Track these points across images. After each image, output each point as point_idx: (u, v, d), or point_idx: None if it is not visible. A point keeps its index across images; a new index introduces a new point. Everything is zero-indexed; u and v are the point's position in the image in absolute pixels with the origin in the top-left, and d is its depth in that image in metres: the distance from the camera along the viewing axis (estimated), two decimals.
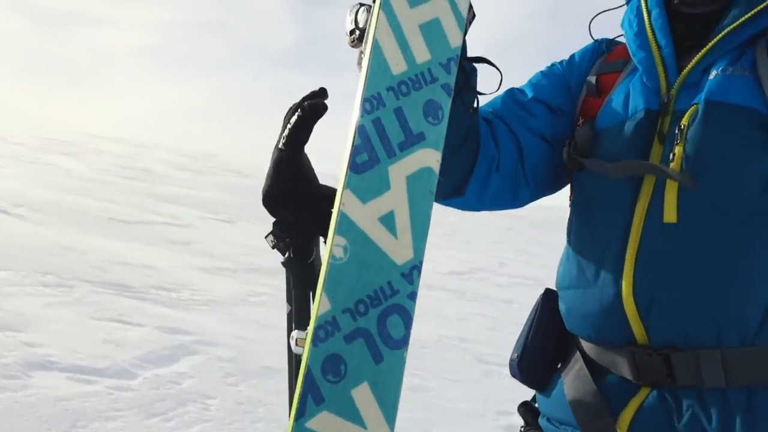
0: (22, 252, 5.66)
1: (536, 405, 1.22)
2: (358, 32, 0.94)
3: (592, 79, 1.16)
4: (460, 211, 1.29)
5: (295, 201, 1.08)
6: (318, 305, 0.78)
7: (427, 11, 0.86)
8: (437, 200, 0.98)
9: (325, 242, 1.10)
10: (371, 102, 0.83)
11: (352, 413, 0.75)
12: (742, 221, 0.94)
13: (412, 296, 0.80)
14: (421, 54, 0.85)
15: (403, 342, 0.79)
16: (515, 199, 1.20)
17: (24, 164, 13.26)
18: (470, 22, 0.97)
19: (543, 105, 1.19)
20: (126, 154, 20.80)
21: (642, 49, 1.07)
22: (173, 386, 3.46)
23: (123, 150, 21.78)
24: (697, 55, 1.01)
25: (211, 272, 6.73)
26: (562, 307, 1.13)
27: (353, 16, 0.95)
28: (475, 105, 1.16)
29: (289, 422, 0.76)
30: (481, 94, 1.14)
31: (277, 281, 6.90)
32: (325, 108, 1.05)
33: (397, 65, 0.84)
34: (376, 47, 0.84)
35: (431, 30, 0.86)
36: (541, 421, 1.17)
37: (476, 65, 1.07)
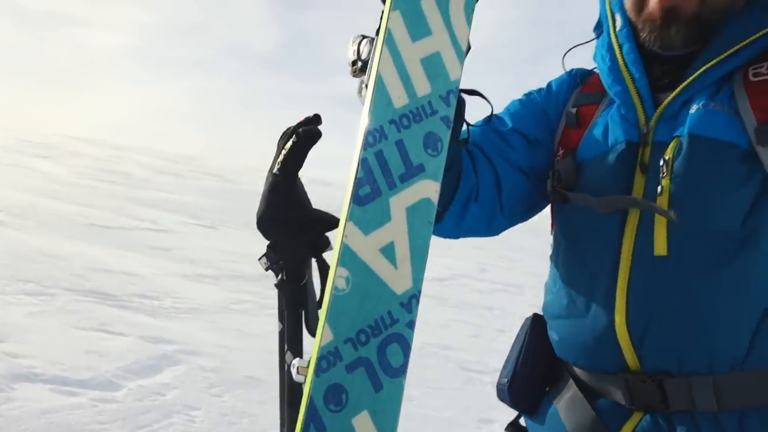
0: (1, 258, 5.60)
1: (523, 424, 1.25)
2: (360, 63, 0.96)
3: (572, 110, 1.19)
4: None
5: (288, 225, 1.10)
6: (321, 336, 0.80)
7: (428, 45, 0.88)
8: None
9: (317, 264, 1.13)
10: (374, 135, 0.85)
11: None
12: (728, 252, 0.96)
13: (411, 325, 0.82)
14: (422, 87, 0.87)
15: (402, 370, 0.81)
16: (490, 228, 1.23)
17: (0, 167, 13.10)
18: (465, 54, 1.00)
19: (521, 136, 1.21)
20: (105, 157, 20.63)
21: (617, 83, 1.09)
22: (157, 397, 3.45)
23: (102, 153, 21.60)
24: (676, 90, 1.03)
25: (193, 279, 6.70)
26: (552, 335, 1.15)
27: (356, 47, 0.97)
28: (466, 136, 1.19)
29: None
30: (469, 125, 1.17)
31: (260, 288, 6.88)
32: (319, 134, 1.07)
33: (399, 98, 0.86)
34: (379, 81, 0.86)
35: (432, 63, 0.88)
36: None
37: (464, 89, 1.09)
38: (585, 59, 1.26)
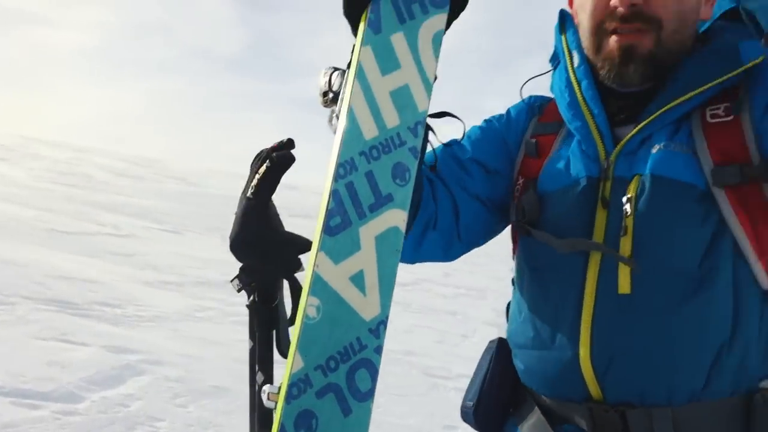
0: None
1: None
2: (331, 95, 0.99)
3: (532, 140, 1.21)
4: None
5: (261, 248, 1.12)
6: (291, 363, 0.82)
7: (397, 78, 0.91)
8: None
9: (289, 285, 1.16)
10: (345, 167, 0.87)
11: None
12: (687, 291, 0.99)
13: (378, 350, 0.85)
14: (391, 119, 0.90)
15: (370, 394, 0.84)
16: (447, 254, 1.26)
17: None
18: (432, 86, 1.01)
19: (480, 165, 1.24)
20: (65, 159, 20.19)
21: (577, 118, 1.12)
22: (121, 409, 3.42)
23: (62, 155, 21.12)
24: (635, 129, 1.06)
25: (155, 286, 6.63)
26: (518, 363, 1.18)
27: (327, 79, 1.00)
28: (433, 163, 1.22)
29: None
30: (434, 150, 1.21)
31: (224, 295, 6.84)
32: (292, 159, 1.10)
33: (369, 131, 0.89)
34: (350, 114, 0.89)
35: (401, 96, 0.91)
36: None
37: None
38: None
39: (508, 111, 1.31)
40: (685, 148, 1.03)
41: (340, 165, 0.87)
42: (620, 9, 1.02)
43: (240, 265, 1.16)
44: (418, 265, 1.27)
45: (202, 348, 4.75)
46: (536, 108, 1.27)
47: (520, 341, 1.17)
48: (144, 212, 12.63)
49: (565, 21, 1.21)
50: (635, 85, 1.08)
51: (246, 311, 1.17)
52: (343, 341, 0.84)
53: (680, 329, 0.99)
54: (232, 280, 1.18)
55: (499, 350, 1.24)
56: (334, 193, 0.86)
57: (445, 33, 0.95)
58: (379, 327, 0.85)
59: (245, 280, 1.17)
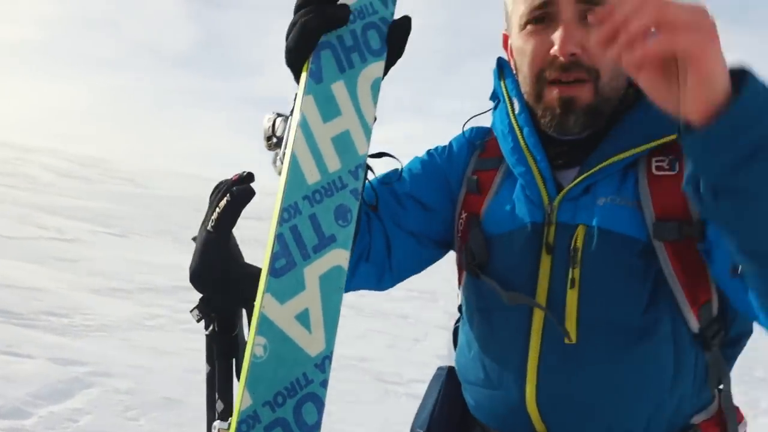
0: None
1: None
2: (275, 139, 1.02)
3: (473, 177, 1.24)
4: None
5: (221, 280, 1.14)
6: (240, 401, 0.85)
7: (338, 125, 0.94)
8: None
9: (248, 315, 1.18)
10: (289, 211, 0.90)
11: None
12: (630, 342, 1.03)
13: (324, 384, 0.88)
14: (333, 164, 0.93)
15: (316, 426, 0.87)
16: (379, 285, 1.28)
17: None
18: (372, 129, 1.04)
19: (416, 202, 1.26)
20: (7, 159, 19.57)
21: (521, 163, 1.14)
22: (70, 424, 3.36)
23: (3, 154, 20.47)
24: (579, 177, 1.08)
25: (103, 293, 6.51)
26: (468, 397, 1.21)
27: (271, 124, 1.02)
28: (374, 202, 1.24)
29: None
30: (373, 187, 1.23)
31: (174, 301, 6.73)
32: (252, 193, 1.12)
33: (312, 176, 0.92)
34: (293, 161, 0.91)
35: (342, 141, 0.94)
36: None
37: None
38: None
39: (450, 145, 1.33)
40: (630, 201, 1.05)
41: (284, 210, 0.90)
42: (561, 59, 1.02)
43: (199, 295, 1.18)
44: None
45: (152, 358, 4.69)
46: (477, 144, 1.29)
47: (470, 378, 1.20)
48: (90, 215, 12.36)
49: (503, 68, 1.23)
50: (575, 133, 1.10)
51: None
52: (289, 377, 0.87)
53: (623, 380, 1.03)
54: (191, 311, 1.20)
55: (449, 379, 1.28)
56: (278, 237, 0.89)
57: (383, 79, 0.99)
58: (324, 362, 0.88)
59: (205, 311, 1.19)
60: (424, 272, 1.35)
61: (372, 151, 1.01)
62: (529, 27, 1.07)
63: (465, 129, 1.32)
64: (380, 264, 1.24)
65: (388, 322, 7.77)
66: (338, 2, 0.92)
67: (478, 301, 1.18)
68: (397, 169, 1.31)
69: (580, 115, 1.06)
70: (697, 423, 1.06)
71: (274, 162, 1.04)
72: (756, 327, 1.03)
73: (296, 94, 0.97)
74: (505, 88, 1.19)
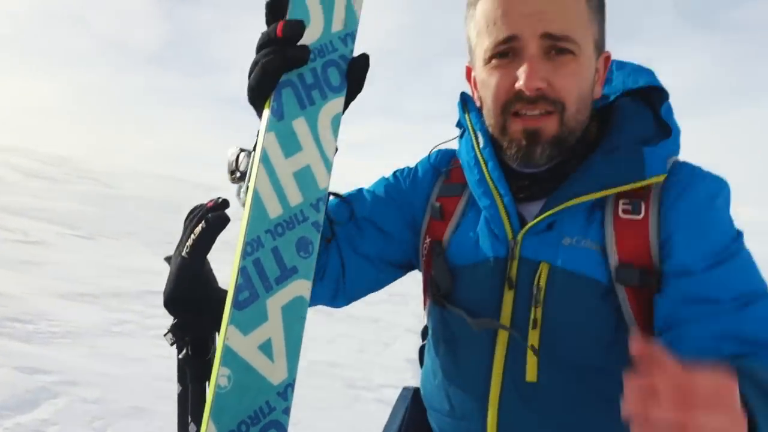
0: None
1: None
2: (239, 173, 1.04)
3: (436, 204, 1.26)
4: None
5: (195, 305, 1.16)
6: (205, 430, 0.88)
7: (300, 160, 0.97)
8: None
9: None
10: (252, 245, 0.93)
11: None
12: (590, 383, 1.05)
13: (287, 411, 0.91)
14: (295, 198, 0.96)
15: None
16: (334, 303, 1.31)
17: None
18: (332, 163, 1.06)
19: (375, 227, 1.28)
20: None
21: (486, 197, 1.15)
22: None
23: None
24: (543, 215, 1.09)
25: (69, 298, 6.41)
26: (432, 423, 1.24)
27: (234, 158, 1.04)
28: (329, 235, 1.26)
29: None
30: (334, 222, 1.26)
31: (142, 306, 6.65)
32: (227, 220, 1.14)
33: (274, 210, 0.94)
34: (256, 197, 0.94)
35: (303, 176, 0.97)
36: None
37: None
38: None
39: (416, 169, 1.34)
40: (595, 244, 1.06)
41: (247, 243, 0.93)
42: (526, 93, 1.03)
43: (174, 314, 1.20)
44: None
45: (120, 366, 4.64)
46: (442, 170, 1.31)
47: (435, 405, 1.23)
48: (56, 216, 12.17)
49: (467, 102, 1.24)
50: (541, 165, 1.11)
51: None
52: (253, 406, 0.90)
53: (583, 418, 1.06)
54: (165, 335, 1.21)
55: (414, 402, 1.31)
56: (242, 270, 0.92)
57: (343, 114, 1.02)
58: (287, 390, 0.92)
59: (179, 335, 1.21)
60: None
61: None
62: (493, 61, 1.08)
63: (431, 153, 1.35)
64: (334, 284, 1.27)
65: (358, 326, 7.78)
66: (298, 43, 0.95)
67: (444, 331, 1.20)
68: (360, 189, 1.34)
69: (545, 147, 1.07)
70: None
71: (238, 194, 1.07)
72: None
73: (258, 131, 0.99)
74: (470, 121, 1.21)
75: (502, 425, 1.09)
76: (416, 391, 1.35)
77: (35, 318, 5.44)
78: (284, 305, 0.93)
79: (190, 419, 1.22)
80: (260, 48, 0.94)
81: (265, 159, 0.95)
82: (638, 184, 1.03)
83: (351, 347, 6.62)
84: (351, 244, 1.28)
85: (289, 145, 0.96)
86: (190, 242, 1.11)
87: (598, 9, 1.08)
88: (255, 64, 0.94)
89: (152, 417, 3.75)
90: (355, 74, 0.98)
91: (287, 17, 0.96)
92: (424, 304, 1.29)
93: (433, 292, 1.20)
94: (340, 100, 1.00)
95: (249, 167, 1.00)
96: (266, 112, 0.97)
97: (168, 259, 1.18)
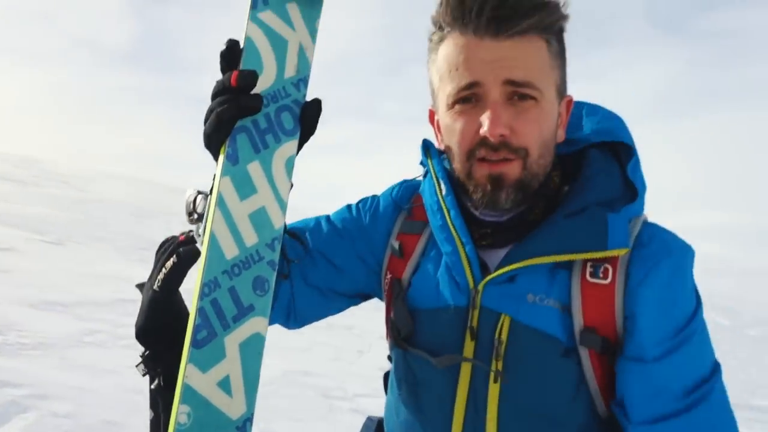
0: None
1: None
2: (196, 215, 1.05)
3: (395, 243, 1.26)
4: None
5: (167, 337, 1.17)
6: None
7: (255, 202, 1.00)
8: None
9: None
10: (209, 286, 0.96)
11: None
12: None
13: None
14: (250, 238, 0.99)
15: None
16: (287, 325, 1.32)
17: None
18: (287, 202, 1.08)
19: (327, 260, 1.29)
20: None
21: (448, 243, 1.15)
22: None
23: None
24: (505, 268, 1.09)
25: (39, 308, 6.31)
26: None
27: (192, 200, 1.06)
28: (285, 272, 1.24)
29: None
30: (290, 261, 1.24)
31: (114, 315, 6.58)
32: (199, 253, 1.16)
33: (230, 251, 0.97)
34: (212, 240, 0.97)
35: (258, 217, 0.99)
36: None
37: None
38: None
39: (377, 202, 1.34)
40: (560, 303, 1.07)
41: (204, 285, 0.95)
42: (490, 140, 1.04)
43: (146, 351, 1.20)
44: None
45: (92, 378, 4.58)
46: (404, 206, 1.31)
47: None
48: (24, 221, 11.98)
49: (429, 148, 1.25)
50: (506, 210, 1.11)
51: None
52: None
53: None
54: (137, 365, 1.22)
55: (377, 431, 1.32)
56: (200, 311, 0.95)
57: (297, 155, 1.05)
58: (245, 424, 0.94)
59: (151, 366, 1.22)
60: None
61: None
62: (457, 107, 1.08)
63: (395, 186, 1.35)
64: (285, 310, 1.29)
65: (332, 333, 7.79)
66: (252, 91, 0.98)
67: (406, 372, 1.21)
68: (320, 219, 1.35)
69: (510, 192, 1.07)
70: None
71: (196, 233, 1.08)
72: None
73: (214, 175, 1.02)
74: (433, 168, 1.21)
75: None
76: (380, 421, 1.34)
77: (4, 329, 5.35)
78: (242, 342, 0.96)
79: None
80: (215, 96, 0.97)
81: (220, 203, 0.98)
82: (600, 255, 1.04)
83: (326, 355, 6.64)
84: (302, 274, 1.29)
85: (244, 188, 0.99)
86: (161, 276, 1.13)
87: (560, 54, 1.10)
88: (210, 111, 0.97)
89: (124, 431, 3.71)
90: (307, 117, 1.02)
91: (241, 66, 0.99)
92: (387, 336, 1.29)
93: (394, 336, 1.21)
94: (294, 143, 1.03)
95: (206, 210, 1.03)
96: (221, 158, 0.99)
97: (140, 287, 1.19)
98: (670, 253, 1.06)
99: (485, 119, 1.04)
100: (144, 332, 1.16)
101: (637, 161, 1.15)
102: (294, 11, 1.04)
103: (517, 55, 1.03)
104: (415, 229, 1.26)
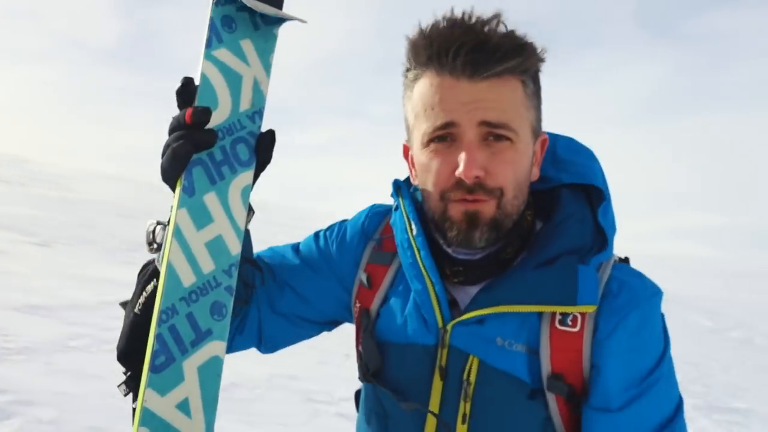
0: None
1: None
2: (155, 245, 1.08)
3: (363, 276, 1.26)
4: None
5: None
6: None
7: (211, 230, 1.03)
8: None
9: None
10: (167, 313, 0.99)
11: None
12: None
13: None
14: (207, 266, 1.02)
15: None
16: (259, 350, 1.35)
17: None
18: (250, 221, 1.12)
19: (294, 291, 1.30)
20: None
21: (418, 281, 1.15)
22: None
23: None
24: (471, 313, 1.10)
25: (24, 311, 6.29)
26: None
27: (152, 230, 1.08)
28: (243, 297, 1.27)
29: None
30: (248, 286, 1.27)
31: (99, 318, 6.57)
32: None
33: (188, 279, 1.00)
34: (169, 269, 1.00)
35: (215, 245, 1.03)
36: None
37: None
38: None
39: (345, 231, 1.34)
40: (528, 348, 1.08)
41: (162, 312, 0.99)
42: (466, 182, 1.04)
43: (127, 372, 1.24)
44: None
45: (77, 383, 4.59)
46: (373, 236, 1.31)
47: None
48: (9, 222, 11.90)
49: (401, 188, 1.24)
50: (480, 248, 1.11)
51: None
52: None
53: None
54: (119, 386, 1.26)
55: None
56: (157, 337, 0.98)
57: (253, 186, 1.08)
58: None
59: (132, 386, 1.25)
60: None
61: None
62: (432, 145, 1.08)
63: (362, 214, 1.35)
64: (256, 337, 1.31)
65: (319, 336, 7.68)
66: (207, 126, 1.02)
67: (375, 404, 1.22)
68: (287, 249, 1.36)
69: (484, 230, 1.07)
70: None
71: (158, 260, 1.11)
72: None
73: (172, 206, 1.05)
74: (404, 208, 1.20)
75: None
76: None
77: None
78: (200, 366, 1.00)
79: None
80: (171, 131, 1.01)
81: (177, 233, 1.01)
82: (568, 309, 1.05)
83: (312, 359, 6.62)
84: (269, 303, 1.30)
85: (201, 218, 1.03)
86: (141, 300, 1.16)
87: (535, 94, 1.10)
88: (167, 147, 1.01)
89: None
90: (263, 148, 1.06)
91: (196, 102, 1.03)
92: (358, 367, 1.29)
93: (363, 371, 1.22)
94: (250, 173, 1.07)
95: (164, 239, 1.06)
96: (178, 190, 1.03)
97: (124, 305, 1.22)
98: (638, 305, 1.07)
99: (461, 161, 1.04)
100: (125, 355, 1.19)
101: (608, 204, 1.16)
102: (248, 47, 1.08)
103: (493, 97, 1.03)
104: (384, 260, 1.26)
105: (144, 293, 1.15)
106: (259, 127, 1.08)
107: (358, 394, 1.37)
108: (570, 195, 1.17)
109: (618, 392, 1.05)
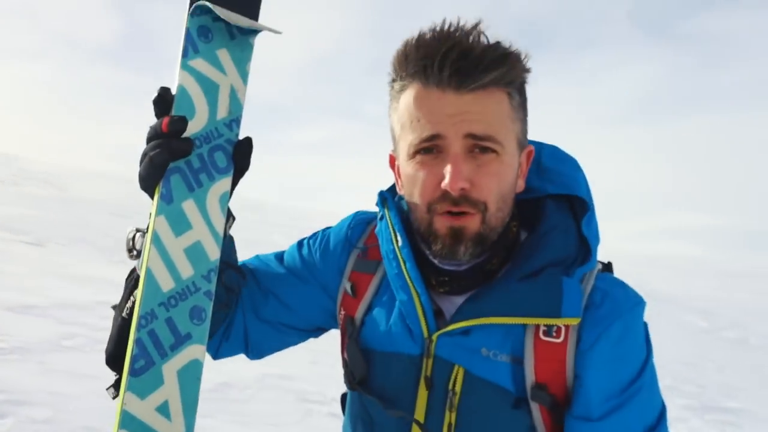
0: None
1: None
2: (135, 252, 1.09)
3: (348, 284, 1.27)
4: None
5: None
6: None
7: (190, 237, 1.05)
8: None
9: None
10: (146, 318, 1.01)
11: None
12: None
13: None
14: (186, 271, 1.04)
15: None
16: (247, 356, 1.37)
17: None
18: (230, 226, 1.14)
19: (278, 299, 1.31)
20: None
21: (404, 291, 1.15)
22: None
23: None
24: (457, 325, 1.10)
25: (17, 311, 6.27)
26: None
27: (131, 237, 1.09)
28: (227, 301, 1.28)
29: None
30: (231, 291, 1.28)
31: (93, 318, 6.56)
32: None
33: (167, 284, 1.02)
34: (148, 275, 1.02)
35: (194, 251, 1.05)
36: None
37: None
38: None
39: (328, 240, 1.34)
40: (513, 358, 1.09)
41: (141, 317, 1.00)
42: (451, 194, 1.04)
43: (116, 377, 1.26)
44: None
45: (71, 383, 4.59)
46: (357, 244, 1.31)
47: None
48: (3, 221, 11.85)
49: (386, 200, 1.24)
50: (464, 262, 1.11)
51: None
52: None
53: None
54: (108, 389, 1.28)
55: None
56: (137, 341, 1.00)
57: (231, 193, 1.10)
58: None
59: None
60: None
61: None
62: (418, 157, 1.09)
63: (346, 221, 1.36)
64: (242, 344, 1.33)
65: (305, 341, 7.75)
66: (184, 135, 1.04)
67: (361, 411, 1.24)
68: (271, 258, 1.38)
69: (469, 245, 1.08)
70: None
71: (138, 267, 1.12)
72: None
73: (150, 213, 1.07)
74: (390, 219, 1.21)
75: None
76: None
77: None
78: (180, 369, 1.02)
79: None
80: (149, 140, 1.03)
81: (155, 240, 1.03)
82: (553, 321, 1.06)
83: (304, 359, 6.62)
84: (254, 310, 1.31)
85: (179, 224, 1.05)
86: (129, 304, 1.18)
87: (521, 106, 1.11)
88: (144, 155, 1.03)
89: None
90: (240, 155, 1.09)
91: (173, 111, 1.05)
92: (343, 374, 1.29)
93: (349, 380, 1.23)
94: (227, 180, 1.09)
95: (143, 247, 1.08)
96: (156, 198, 1.05)
97: (115, 308, 1.24)
98: (620, 315, 1.08)
99: (447, 173, 1.04)
100: (113, 359, 1.20)
101: (592, 215, 1.17)
102: (224, 56, 1.10)
103: (478, 110, 1.04)
104: (369, 268, 1.27)
105: (132, 298, 1.16)
106: (237, 134, 1.10)
107: (344, 397, 1.38)
108: (554, 206, 1.18)
109: (600, 402, 1.06)
